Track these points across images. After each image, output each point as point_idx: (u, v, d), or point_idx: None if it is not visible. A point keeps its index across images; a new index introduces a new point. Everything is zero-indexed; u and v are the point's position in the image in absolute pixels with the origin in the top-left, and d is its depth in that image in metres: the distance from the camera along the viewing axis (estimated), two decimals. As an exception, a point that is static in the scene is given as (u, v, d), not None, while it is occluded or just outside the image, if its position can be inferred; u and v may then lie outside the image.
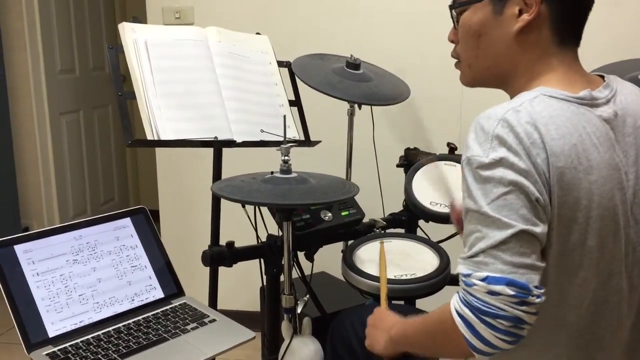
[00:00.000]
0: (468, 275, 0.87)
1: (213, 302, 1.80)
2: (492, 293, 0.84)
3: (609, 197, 0.91)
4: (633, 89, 1.05)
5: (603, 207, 0.91)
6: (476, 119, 0.92)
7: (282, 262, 1.48)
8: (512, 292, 0.83)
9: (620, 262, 0.95)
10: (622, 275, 0.96)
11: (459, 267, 0.90)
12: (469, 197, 0.89)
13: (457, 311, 0.88)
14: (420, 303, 1.64)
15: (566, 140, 0.89)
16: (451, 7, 1.07)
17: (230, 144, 1.62)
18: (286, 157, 1.39)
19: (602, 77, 1.03)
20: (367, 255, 1.56)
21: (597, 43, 2.20)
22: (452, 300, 0.91)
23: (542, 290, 0.85)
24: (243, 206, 1.48)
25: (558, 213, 0.88)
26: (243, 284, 2.47)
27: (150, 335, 1.28)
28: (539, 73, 0.99)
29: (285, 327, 1.46)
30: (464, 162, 0.91)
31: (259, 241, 1.60)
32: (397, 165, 1.91)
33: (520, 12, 0.98)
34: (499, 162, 0.86)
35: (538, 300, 0.85)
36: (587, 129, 0.92)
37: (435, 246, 1.60)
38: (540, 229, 0.86)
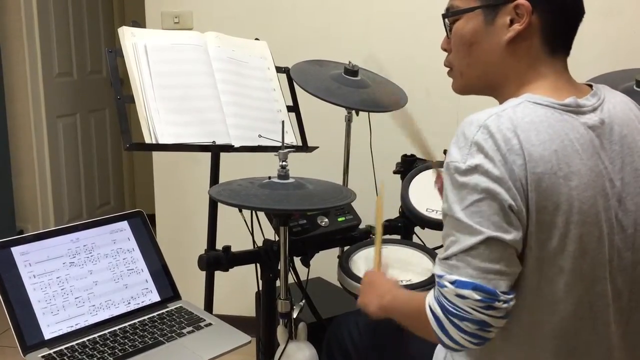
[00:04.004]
0: (441, 277, 0.91)
1: (209, 306, 1.80)
2: (460, 296, 0.88)
3: (591, 203, 0.92)
4: (622, 98, 1.06)
5: (584, 213, 0.92)
6: (461, 123, 0.94)
7: (279, 267, 1.49)
8: (478, 297, 0.87)
9: (604, 268, 0.96)
10: (606, 281, 0.96)
11: (434, 267, 0.94)
12: (446, 202, 0.93)
13: (430, 307, 0.93)
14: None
15: (546, 146, 0.90)
16: (444, 16, 1.09)
17: (228, 148, 1.63)
18: (284, 163, 1.40)
19: (591, 86, 1.04)
20: (363, 261, 1.57)
21: (592, 53, 2.22)
22: (428, 295, 0.95)
23: (511, 296, 0.89)
24: (240, 211, 1.48)
25: (537, 218, 0.90)
26: (239, 288, 2.47)
27: (146, 339, 1.28)
28: (528, 81, 1.01)
29: (280, 332, 1.46)
30: (444, 167, 0.94)
31: (256, 246, 1.60)
32: (394, 172, 1.92)
33: (512, 22, 0.99)
34: (475, 169, 0.89)
35: (505, 305, 0.88)
36: (569, 135, 0.93)
37: (431, 253, 1.60)
38: (511, 235, 0.88)
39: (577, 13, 1.01)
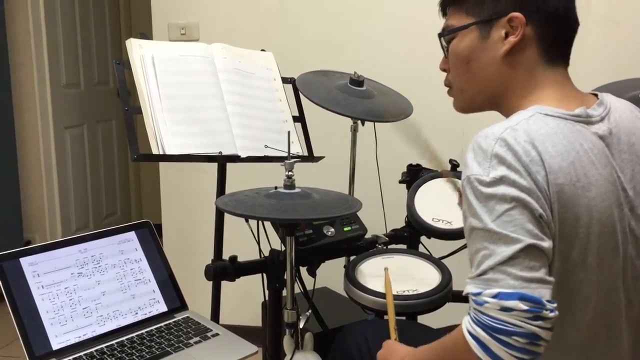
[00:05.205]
0: (478, 294, 0.85)
1: (215, 316, 1.80)
2: (505, 309, 0.82)
3: (608, 213, 0.92)
4: (627, 106, 1.06)
5: (602, 224, 0.91)
6: (474, 138, 0.93)
7: (285, 277, 1.49)
8: (525, 307, 0.82)
9: (618, 278, 0.96)
10: (620, 290, 0.96)
11: (467, 287, 0.88)
12: (473, 216, 0.89)
13: (469, 332, 0.86)
14: (421, 319, 1.65)
15: (564, 158, 0.90)
16: (440, 36, 1.10)
17: (235, 159, 1.63)
18: (290, 173, 1.40)
19: (596, 95, 1.05)
20: (369, 271, 1.57)
21: (596, 62, 2.22)
22: (463, 322, 0.88)
23: (555, 305, 0.84)
24: (246, 221, 1.49)
25: (559, 230, 0.89)
26: (245, 298, 2.48)
27: (154, 349, 1.28)
28: (530, 92, 1.01)
29: (287, 342, 1.46)
30: (465, 181, 0.91)
31: (262, 256, 1.60)
32: (400, 182, 1.92)
33: (507, 35, 1.00)
34: (500, 180, 0.86)
35: (552, 314, 0.83)
36: (584, 145, 0.93)
37: (437, 262, 1.60)
38: (547, 243, 0.86)
39: (570, 23, 1.02)
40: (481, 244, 0.87)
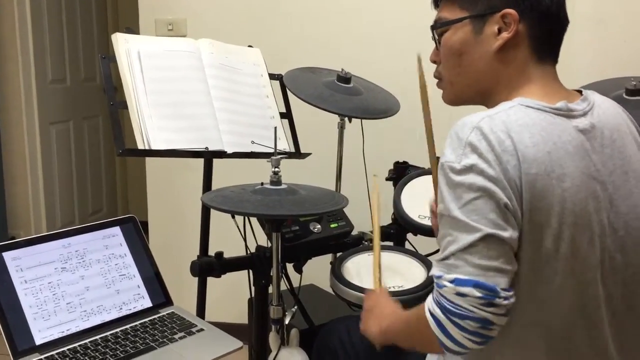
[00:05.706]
0: (439, 277, 0.91)
1: (201, 312, 1.80)
2: (460, 294, 0.88)
3: (583, 205, 0.94)
4: (611, 103, 1.08)
5: (576, 215, 0.93)
6: (453, 126, 0.95)
7: (271, 274, 1.49)
8: (479, 294, 0.87)
9: (595, 270, 0.97)
10: (598, 283, 0.97)
11: (432, 269, 0.94)
12: (442, 202, 0.93)
13: (429, 311, 0.92)
14: (407, 315, 1.65)
15: (539, 148, 0.91)
16: (433, 28, 1.11)
17: (221, 154, 1.63)
18: (276, 169, 1.40)
19: (581, 92, 1.06)
20: (356, 268, 1.57)
21: (583, 61, 2.24)
22: (426, 300, 0.95)
23: (511, 293, 0.89)
24: (233, 217, 1.49)
25: (530, 219, 0.91)
26: (231, 295, 2.47)
27: (138, 344, 1.28)
28: (518, 87, 1.03)
29: (272, 338, 1.46)
30: (439, 168, 0.95)
31: (248, 252, 1.60)
32: (387, 179, 1.93)
33: (499, 31, 1.02)
34: (470, 169, 0.90)
35: (506, 302, 0.88)
36: (562, 138, 0.94)
37: (423, 259, 1.61)
38: (508, 233, 0.89)
39: (561, 22, 1.04)
40: (447, 230, 0.92)
